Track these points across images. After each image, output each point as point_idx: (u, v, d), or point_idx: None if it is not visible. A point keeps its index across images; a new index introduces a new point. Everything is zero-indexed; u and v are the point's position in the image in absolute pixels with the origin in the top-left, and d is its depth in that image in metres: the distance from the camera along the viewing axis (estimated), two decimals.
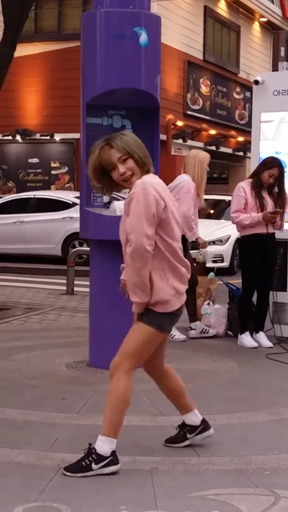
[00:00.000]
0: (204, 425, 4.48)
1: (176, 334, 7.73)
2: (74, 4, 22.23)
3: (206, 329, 8.06)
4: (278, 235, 7.76)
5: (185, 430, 4.48)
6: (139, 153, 4.07)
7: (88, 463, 4.02)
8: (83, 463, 4.02)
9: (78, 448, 4.40)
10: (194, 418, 4.47)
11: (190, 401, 4.51)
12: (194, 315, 8.09)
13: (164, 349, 4.41)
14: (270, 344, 7.63)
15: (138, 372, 6.28)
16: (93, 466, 4.01)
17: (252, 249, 7.55)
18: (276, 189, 7.65)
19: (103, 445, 4.04)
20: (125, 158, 4.07)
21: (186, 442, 4.46)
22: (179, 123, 22.92)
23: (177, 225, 4.13)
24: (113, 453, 4.05)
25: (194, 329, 8.02)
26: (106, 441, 4.05)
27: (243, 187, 7.51)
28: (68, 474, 4.01)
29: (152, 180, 4.06)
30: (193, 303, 8.05)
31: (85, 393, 5.64)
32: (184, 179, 7.88)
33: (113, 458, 4.03)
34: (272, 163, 7.54)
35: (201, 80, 24.60)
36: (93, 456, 4.02)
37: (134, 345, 4.21)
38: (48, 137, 22.13)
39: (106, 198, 6.50)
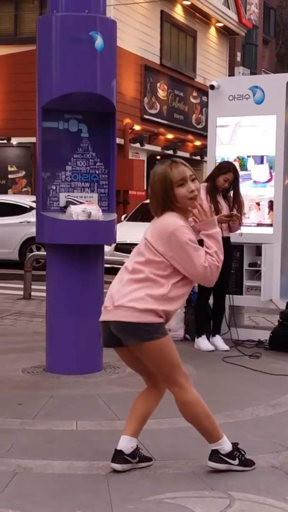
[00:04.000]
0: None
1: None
2: (30, 8, 22.14)
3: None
4: (235, 239, 7.82)
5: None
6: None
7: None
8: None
9: (34, 454, 4.40)
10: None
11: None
12: None
13: None
14: (226, 347, 7.68)
15: (95, 376, 6.31)
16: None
17: None
18: (231, 193, 7.71)
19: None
20: (194, 178, 4.08)
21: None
22: (137, 127, 22.95)
23: None
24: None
25: None
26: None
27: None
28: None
29: None
30: None
31: (42, 398, 5.61)
32: None
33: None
34: (227, 168, 7.59)
35: (158, 84, 24.68)
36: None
37: None
38: (5, 141, 22.00)
39: (62, 203, 6.49)
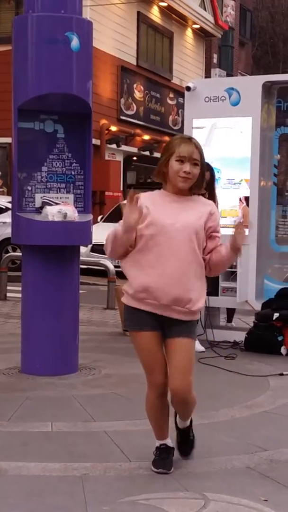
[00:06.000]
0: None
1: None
2: (6, 8, 22.04)
3: None
4: None
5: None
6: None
7: None
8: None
9: (9, 456, 4.37)
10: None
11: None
12: None
13: None
14: (202, 348, 7.69)
15: (70, 377, 6.29)
16: None
17: None
18: (206, 195, 7.71)
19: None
20: (197, 163, 4.05)
21: None
22: (113, 128, 22.93)
23: None
24: None
25: None
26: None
27: None
28: None
29: None
30: None
31: (17, 400, 5.59)
32: None
33: None
34: None
35: (135, 85, 24.67)
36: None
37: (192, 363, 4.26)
38: None
39: (38, 203, 6.47)
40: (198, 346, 7.71)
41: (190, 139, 4.10)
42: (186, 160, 4.01)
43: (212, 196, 7.68)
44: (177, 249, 3.99)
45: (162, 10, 26.26)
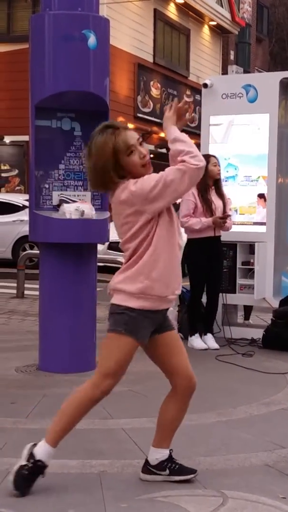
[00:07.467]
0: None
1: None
2: (23, 6, 22.10)
3: None
4: (228, 237, 7.83)
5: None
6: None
7: None
8: None
9: None
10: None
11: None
12: None
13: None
14: (216, 346, 7.67)
15: (88, 375, 6.29)
16: None
17: (199, 252, 7.60)
18: (224, 190, 7.71)
19: None
20: (141, 141, 3.72)
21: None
22: (130, 126, 22.88)
23: None
24: None
25: None
26: None
27: (193, 192, 7.49)
28: None
29: None
30: None
31: (35, 397, 5.61)
32: None
33: None
34: (206, 155, 7.37)
35: (152, 82, 24.67)
36: None
37: None
38: None
39: (55, 201, 6.48)
40: (213, 343, 7.71)
41: (112, 129, 3.69)
42: (135, 148, 3.67)
43: (221, 194, 7.68)
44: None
45: (179, 7, 26.24)
